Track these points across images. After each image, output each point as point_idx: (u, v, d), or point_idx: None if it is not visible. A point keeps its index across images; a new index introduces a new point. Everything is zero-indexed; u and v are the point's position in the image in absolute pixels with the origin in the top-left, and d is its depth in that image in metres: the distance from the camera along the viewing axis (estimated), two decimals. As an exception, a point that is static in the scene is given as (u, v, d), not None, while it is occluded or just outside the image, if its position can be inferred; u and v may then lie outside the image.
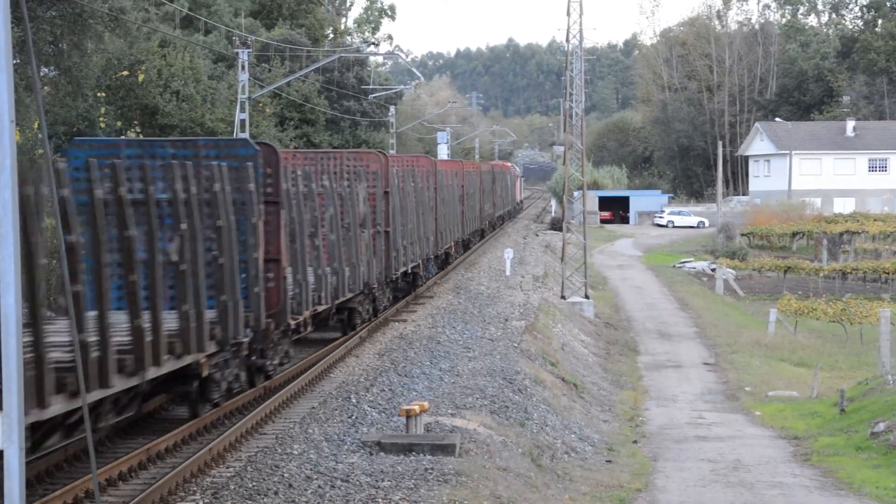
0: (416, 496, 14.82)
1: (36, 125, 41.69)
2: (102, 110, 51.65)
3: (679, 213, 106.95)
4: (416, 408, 18.12)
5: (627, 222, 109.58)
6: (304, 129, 75.66)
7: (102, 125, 49.99)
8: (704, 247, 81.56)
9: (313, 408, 20.28)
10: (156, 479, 14.85)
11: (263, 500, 14.25)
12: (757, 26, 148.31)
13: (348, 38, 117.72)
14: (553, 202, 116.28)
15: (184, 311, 16.84)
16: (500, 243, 65.95)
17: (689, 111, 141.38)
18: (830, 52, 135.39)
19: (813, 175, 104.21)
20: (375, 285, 30.88)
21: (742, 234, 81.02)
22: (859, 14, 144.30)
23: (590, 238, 52.82)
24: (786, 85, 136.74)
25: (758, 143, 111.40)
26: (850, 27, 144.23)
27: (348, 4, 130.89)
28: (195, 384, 17.74)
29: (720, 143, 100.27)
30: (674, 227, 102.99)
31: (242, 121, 46.06)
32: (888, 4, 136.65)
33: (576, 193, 65.94)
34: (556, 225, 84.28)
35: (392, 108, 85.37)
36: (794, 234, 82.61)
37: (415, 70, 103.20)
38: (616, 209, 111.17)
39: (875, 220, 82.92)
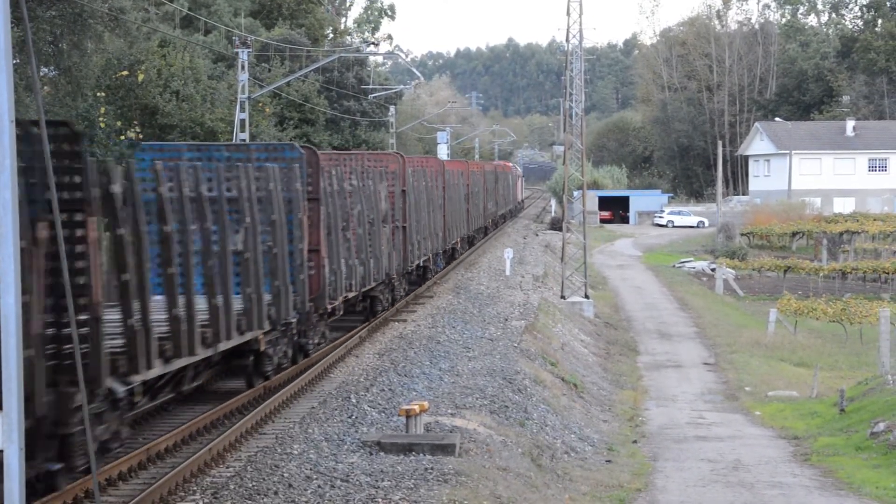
0: (415, 496, 14.82)
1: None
2: (102, 110, 51.65)
3: (679, 213, 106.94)
4: (416, 408, 18.12)
5: (627, 222, 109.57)
6: (303, 128, 75.66)
7: (102, 125, 49.99)
8: (704, 247, 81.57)
9: (313, 408, 20.29)
10: (156, 478, 14.85)
11: (263, 499, 14.25)
12: (757, 26, 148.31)
13: (348, 37, 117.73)
14: (553, 202, 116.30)
15: (247, 293, 19.63)
16: (500, 243, 65.97)
17: (688, 111, 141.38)
18: (830, 51, 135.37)
19: (813, 175, 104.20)
20: (395, 276, 33.81)
21: (742, 234, 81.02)
22: (859, 14, 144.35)
23: (590, 238, 52.83)
24: (786, 85, 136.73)
25: (758, 143, 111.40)
26: (850, 27, 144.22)
27: (348, 4, 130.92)
28: (251, 358, 20.36)
29: (720, 143, 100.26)
30: (673, 226, 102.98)
31: (242, 121, 46.06)
32: (888, 4, 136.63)
33: (576, 193, 65.95)
34: (555, 225, 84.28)
35: (392, 108, 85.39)
36: (793, 234, 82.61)
37: (414, 70, 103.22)
38: (616, 209, 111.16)
39: (875, 220, 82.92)
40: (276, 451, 16.78)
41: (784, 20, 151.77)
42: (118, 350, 14.87)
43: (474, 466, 16.85)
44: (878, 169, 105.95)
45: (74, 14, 44.16)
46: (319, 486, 14.99)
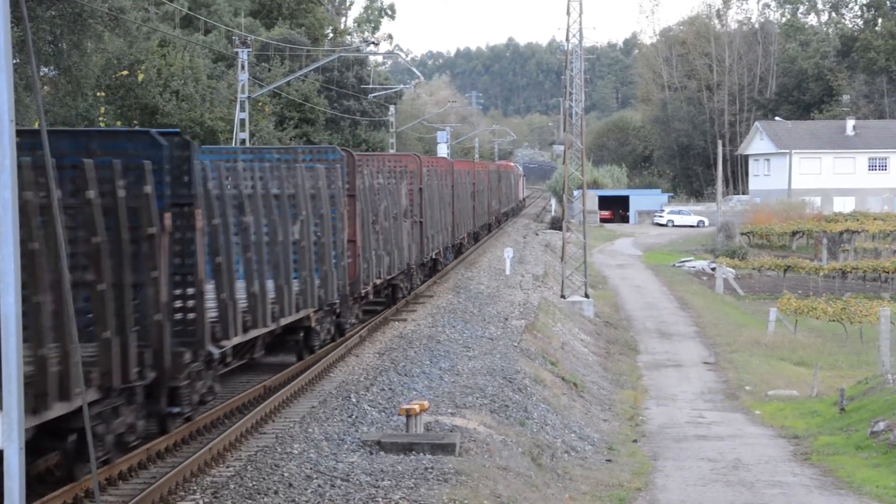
0: (416, 495, 14.81)
1: (36, 125, 41.67)
2: (102, 110, 51.68)
3: (679, 213, 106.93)
4: (416, 407, 18.12)
5: (627, 221, 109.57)
6: (303, 128, 75.66)
7: (102, 124, 50.00)
8: (704, 246, 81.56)
9: (313, 407, 20.29)
10: (156, 478, 14.85)
11: (263, 499, 14.25)
12: (757, 25, 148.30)
13: (348, 37, 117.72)
14: (553, 201, 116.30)
15: (303, 276, 22.96)
16: (500, 242, 65.99)
17: (688, 110, 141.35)
18: (830, 51, 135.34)
19: (813, 174, 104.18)
20: (413, 266, 36.99)
21: (742, 234, 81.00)
22: (859, 13, 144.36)
23: (590, 237, 52.82)
24: (786, 84, 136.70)
25: (757, 143, 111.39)
26: (850, 26, 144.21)
27: (348, 4, 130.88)
28: (301, 334, 23.67)
29: (720, 143, 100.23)
30: (673, 226, 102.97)
31: (242, 120, 46.07)
32: (888, 3, 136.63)
33: (576, 192, 65.95)
34: (555, 224, 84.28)
35: (392, 108, 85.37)
36: (793, 234, 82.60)
37: (414, 69, 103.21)
38: (616, 208, 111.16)
39: (875, 219, 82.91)
40: (277, 450, 16.78)
41: (784, 19, 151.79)
42: (214, 320, 17.91)
43: (474, 466, 16.85)
44: (878, 168, 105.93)
45: (74, 14, 44.17)
46: (320, 486, 14.99)
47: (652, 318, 48.16)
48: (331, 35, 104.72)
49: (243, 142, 46.03)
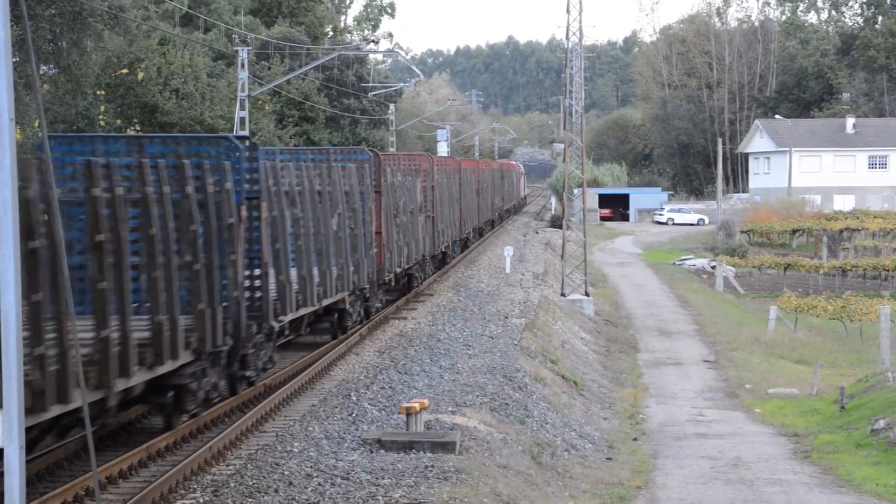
0: (416, 494, 14.81)
1: (36, 124, 41.68)
2: (102, 108, 51.68)
3: (679, 211, 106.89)
4: (417, 405, 18.11)
5: (627, 220, 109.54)
6: (303, 126, 75.64)
7: (102, 123, 50.01)
8: (704, 244, 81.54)
9: (313, 405, 20.29)
10: (156, 476, 14.85)
11: (264, 497, 14.24)
12: (757, 23, 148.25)
13: (348, 35, 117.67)
14: (553, 200, 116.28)
15: (340, 263, 25.95)
16: (500, 241, 65.99)
17: (688, 108, 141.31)
18: (830, 49, 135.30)
19: (813, 172, 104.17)
20: (426, 257, 40.13)
21: (742, 232, 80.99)
22: (859, 11, 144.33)
23: (590, 235, 52.81)
24: (786, 82, 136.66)
25: (758, 141, 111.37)
26: (850, 24, 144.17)
27: (348, 2, 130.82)
28: (336, 316, 26.65)
29: (720, 141, 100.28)
30: (674, 224, 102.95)
31: (242, 118, 46.06)
32: (888, 1, 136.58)
33: (576, 191, 65.90)
34: (556, 222, 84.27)
35: (392, 106, 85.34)
36: (794, 232, 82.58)
37: (414, 68, 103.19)
38: (616, 207, 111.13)
39: (875, 218, 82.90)
40: (277, 448, 16.78)
41: (784, 17, 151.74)
42: (274, 298, 20.74)
43: (474, 464, 16.85)
44: (878, 166, 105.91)
45: (74, 12, 44.15)
46: (320, 484, 14.99)
47: (652, 316, 48.15)
48: (331, 33, 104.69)
49: (243, 140, 45.89)
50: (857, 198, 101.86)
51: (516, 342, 29.43)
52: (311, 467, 15.74)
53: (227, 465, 16.15)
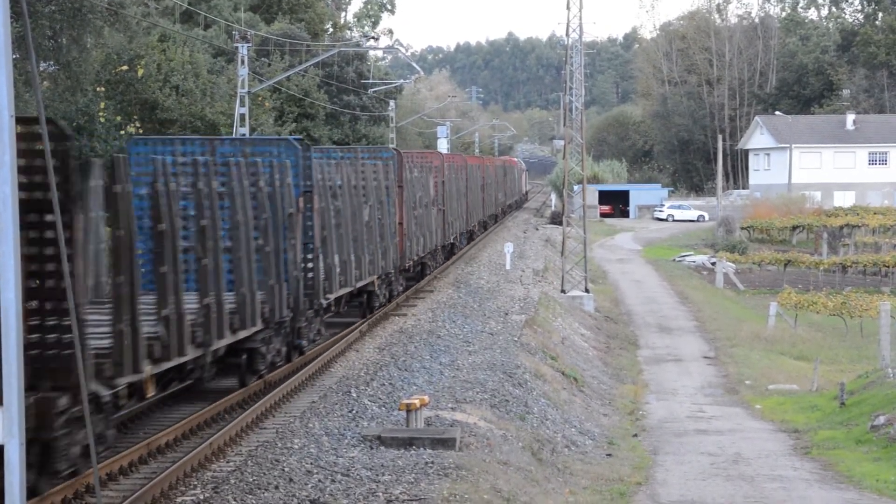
0: (416, 490, 14.82)
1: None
2: (102, 105, 51.64)
3: (679, 207, 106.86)
4: (417, 402, 18.12)
5: (627, 216, 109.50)
6: (303, 123, 75.59)
7: (102, 120, 49.98)
8: (704, 240, 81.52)
9: (313, 402, 20.29)
10: (156, 473, 14.85)
11: (264, 494, 14.25)
12: (757, 20, 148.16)
13: (348, 32, 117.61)
14: (553, 196, 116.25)
15: (371, 249, 29.08)
16: (500, 237, 65.98)
17: (688, 105, 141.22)
18: (830, 45, 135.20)
19: (813, 168, 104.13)
20: (438, 248, 43.20)
21: (742, 228, 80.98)
22: (859, 7, 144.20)
23: (590, 232, 52.79)
24: (786, 78, 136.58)
25: (758, 137, 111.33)
26: (850, 20, 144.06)
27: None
28: (365, 297, 29.91)
29: (720, 137, 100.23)
30: (674, 220, 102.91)
31: (242, 115, 46.03)
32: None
33: (576, 187, 65.90)
34: (556, 219, 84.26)
35: (392, 103, 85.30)
36: (794, 228, 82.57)
37: (414, 64, 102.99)
38: (616, 203, 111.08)
39: (875, 214, 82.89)
40: (277, 445, 16.79)
41: (784, 14, 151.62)
42: (323, 278, 23.80)
43: (475, 460, 16.85)
44: (878, 162, 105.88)
45: (74, 9, 44.11)
46: (320, 481, 15.00)
47: (652, 312, 48.15)
48: (331, 30, 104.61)
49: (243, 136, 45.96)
50: (857, 194, 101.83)
51: (516, 339, 29.44)
52: (311, 464, 15.74)
53: (228, 462, 16.15)
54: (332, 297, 24.88)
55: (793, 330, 44.13)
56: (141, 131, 51.74)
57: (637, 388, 32.39)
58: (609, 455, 22.44)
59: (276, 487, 14.51)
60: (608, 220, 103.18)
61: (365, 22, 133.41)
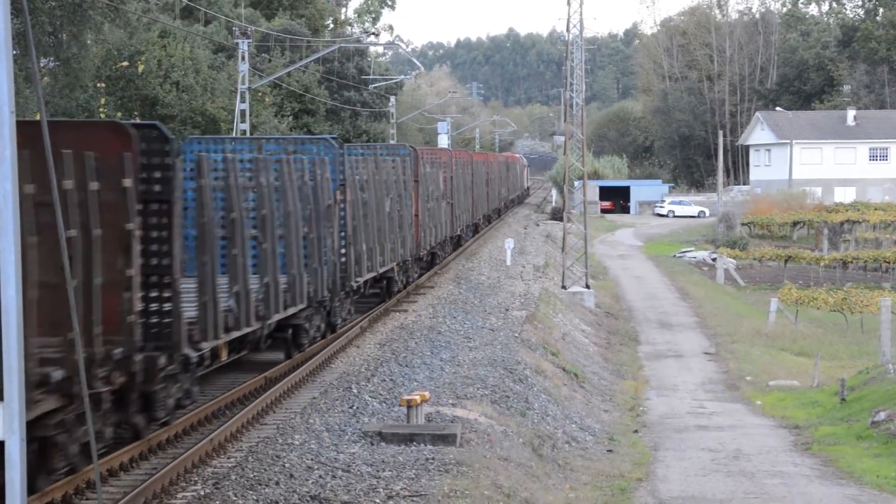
0: (417, 486, 14.82)
1: (37, 117, 41.62)
2: (102, 101, 51.65)
3: (680, 203, 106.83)
4: (417, 398, 18.12)
5: (628, 212, 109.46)
6: (304, 119, 75.58)
7: (103, 115, 49.97)
8: (705, 236, 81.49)
9: (314, 398, 20.28)
10: (157, 469, 14.85)
11: (265, 490, 14.25)
12: (757, 15, 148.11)
13: (348, 28, 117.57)
14: (554, 192, 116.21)
15: (391, 238, 31.66)
16: (500, 233, 65.97)
17: (689, 101, 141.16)
18: (831, 41, 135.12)
19: (813, 164, 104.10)
20: (447, 239, 45.53)
21: (743, 224, 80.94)
22: (860, 3, 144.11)
23: (590, 228, 52.77)
24: (786, 74, 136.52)
25: (758, 133, 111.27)
26: (851, 16, 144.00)
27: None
28: (385, 283, 32.23)
29: (721, 133, 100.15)
30: (674, 216, 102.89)
31: (243, 111, 46.02)
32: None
33: (576, 183, 65.91)
34: (556, 215, 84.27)
35: (392, 99, 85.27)
36: (794, 224, 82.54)
37: (415, 60, 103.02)
38: (617, 199, 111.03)
39: (876, 210, 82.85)
40: (278, 441, 16.79)
41: (785, 9, 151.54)
42: (353, 264, 26.52)
43: (475, 456, 16.85)
44: (878, 158, 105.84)
45: (74, 5, 44.09)
46: (321, 477, 15.00)
47: (653, 308, 48.14)
48: (331, 26, 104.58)
49: (244, 132, 45.99)
50: (857, 190, 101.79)
51: (517, 334, 29.44)
52: (311, 460, 15.74)
53: (228, 458, 16.15)
54: (360, 280, 27.57)
55: (793, 326, 44.12)
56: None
57: (638, 384, 32.38)
58: (610, 451, 22.44)
59: (277, 483, 14.51)
60: (609, 216, 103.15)
61: (365, 18, 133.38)
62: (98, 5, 45.06)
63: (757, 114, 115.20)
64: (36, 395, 12.17)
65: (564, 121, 55.55)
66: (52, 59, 47.06)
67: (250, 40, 48.61)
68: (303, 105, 75.33)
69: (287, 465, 15.39)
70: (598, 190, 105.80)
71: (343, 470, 15.36)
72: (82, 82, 47.50)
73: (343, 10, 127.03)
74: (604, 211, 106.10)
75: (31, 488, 12.36)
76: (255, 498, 13.91)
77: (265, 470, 15.06)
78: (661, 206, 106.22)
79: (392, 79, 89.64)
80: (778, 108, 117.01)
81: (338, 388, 20.93)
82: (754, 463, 21.94)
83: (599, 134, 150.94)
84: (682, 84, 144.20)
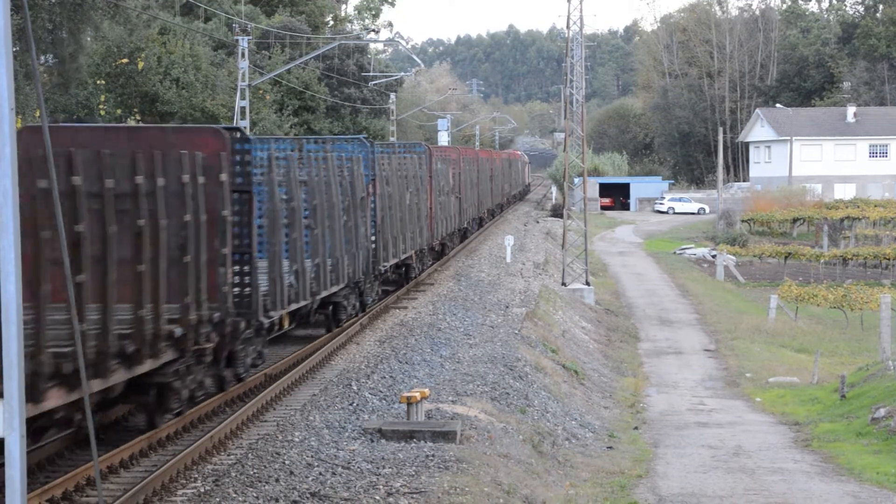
0: (416, 483, 14.83)
1: (37, 114, 41.63)
2: (102, 98, 51.63)
3: (679, 200, 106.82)
4: (417, 395, 18.13)
5: (628, 209, 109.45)
6: (304, 116, 75.58)
7: (102, 112, 49.96)
8: (705, 233, 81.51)
9: (314, 395, 20.29)
10: (157, 466, 14.86)
11: (264, 487, 14.25)
12: (758, 12, 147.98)
13: (348, 25, 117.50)
14: (553, 189, 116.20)
15: (411, 229, 34.50)
16: (500, 230, 65.96)
17: (689, 97, 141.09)
18: (831, 37, 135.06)
19: (813, 161, 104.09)
20: (455, 231, 48.18)
21: (742, 221, 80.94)
22: (860, 0, 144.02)
23: (590, 225, 52.78)
24: (786, 71, 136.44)
25: (758, 130, 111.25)
26: (851, 13, 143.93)
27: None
28: (404, 269, 35.50)
29: (721, 130, 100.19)
30: (674, 213, 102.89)
31: (243, 108, 46.01)
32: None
33: (576, 180, 65.92)
34: (556, 212, 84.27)
35: (392, 96, 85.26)
36: (794, 221, 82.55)
37: (415, 57, 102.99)
38: (616, 196, 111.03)
39: (875, 206, 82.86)
40: (278, 438, 16.80)
41: (785, 6, 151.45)
42: (381, 250, 29.75)
43: (475, 453, 16.86)
44: (878, 155, 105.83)
45: (74, 2, 44.07)
46: (321, 474, 15.00)
47: (653, 305, 48.15)
48: (331, 23, 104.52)
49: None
50: (857, 186, 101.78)
51: (517, 331, 29.45)
52: (311, 457, 15.75)
53: (228, 455, 16.16)
54: (387, 265, 30.70)
55: (793, 322, 44.14)
56: (142, 124, 51.66)
57: (638, 381, 32.40)
58: (610, 448, 22.45)
59: (277, 480, 14.52)
60: (609, 213, 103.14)
61: (365, 15, 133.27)
62: (98, 4, 45.05)
63: (757, 110, 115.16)
64: (161, 346, 14.86)
65: (564, 118, 55.53)
66: (51, 56, 47.06)
67: (250, 37, 48.58)
68: (303, 102, 75.33)
69: (287, 462, 15.40)
70: (597, 187, 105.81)
71: (343, 467, 15.37)
72: (78, 79, 47.48)
73: (343, 6, 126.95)
74: (604, 208, 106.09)
75: (151, 424, 15.93)
76: (255, 495, 13.92)
77: (265, 467, 15.07)
78: (660, 203, 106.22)
79: (392, 76, 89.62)
80: (778, 105, 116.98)
81: (338, 385, 20.94)
82: (754, 459, 21.96)
83: (599, 131, 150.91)
84: (682, 81, 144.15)
